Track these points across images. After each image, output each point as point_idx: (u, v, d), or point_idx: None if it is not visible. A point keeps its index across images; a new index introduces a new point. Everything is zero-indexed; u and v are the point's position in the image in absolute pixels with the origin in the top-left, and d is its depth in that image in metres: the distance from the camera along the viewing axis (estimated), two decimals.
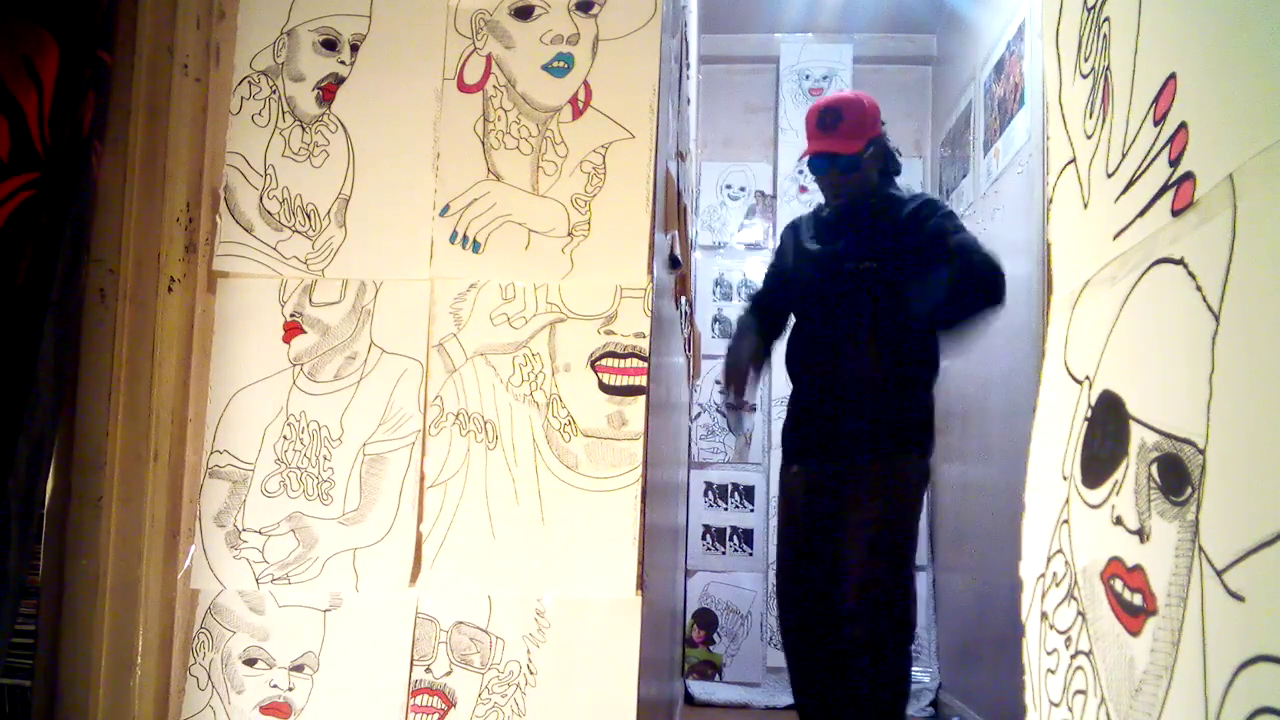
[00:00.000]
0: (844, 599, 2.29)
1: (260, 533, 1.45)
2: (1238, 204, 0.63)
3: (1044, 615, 0.93)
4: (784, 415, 2.58)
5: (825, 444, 2.39)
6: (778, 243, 2.71)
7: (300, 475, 1.46)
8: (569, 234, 1.47)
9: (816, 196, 4.03)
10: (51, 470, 1.28)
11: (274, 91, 1.54)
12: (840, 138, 2.35)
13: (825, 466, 2.39)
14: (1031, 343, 2.64)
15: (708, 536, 3.99)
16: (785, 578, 2.47)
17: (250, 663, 1.44)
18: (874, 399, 2.33)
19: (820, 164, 2.39)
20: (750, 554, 3.97)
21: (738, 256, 4.20)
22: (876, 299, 2.32)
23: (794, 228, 2.62)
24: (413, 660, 1.42)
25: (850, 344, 2.34)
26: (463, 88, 1.52)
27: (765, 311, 2.60)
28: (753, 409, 4.09)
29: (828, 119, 2.36)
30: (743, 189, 4.22)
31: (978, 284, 2.22)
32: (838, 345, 2.37)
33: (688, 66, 2.63)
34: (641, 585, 1.41)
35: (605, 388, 1.44)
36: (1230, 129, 0.66)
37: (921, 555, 3.92)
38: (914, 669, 3.83)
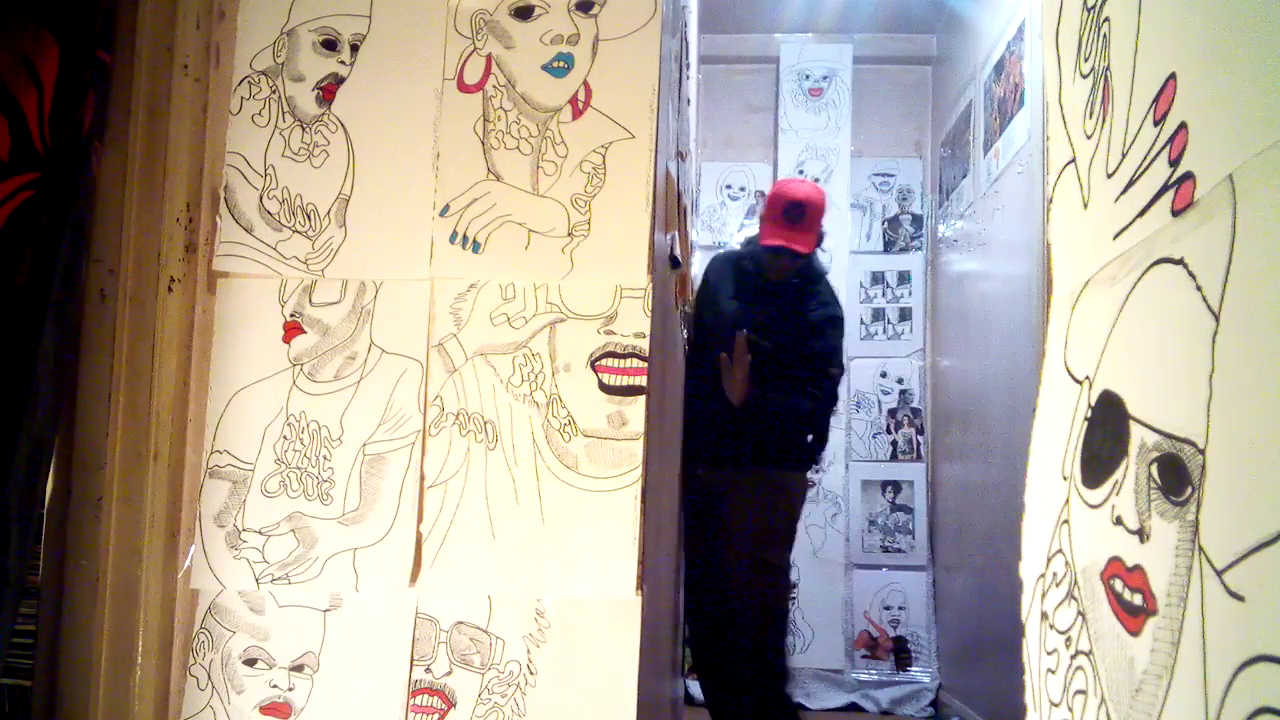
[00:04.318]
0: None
1: (260, 533, 1.45)
2: (1238, 204, 0.63)
3: (1044, 615, 0.93)
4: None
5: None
6: (703, 278, 2.95)
7: (300, 475, 1.46)
8: (569, 234, 1.47)
9: None
10: (51, 470, 1.28)
11: (274, 91, 1.54)
12: (800, 232, 2.68)
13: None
14: (1031, 343, 2.64)
15: None
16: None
17: (250, 663, 1.44)
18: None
19: (779, 251, 2.69)
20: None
21: None
22: (763, 370, 2.69)
23: (718, 271, 2.90)
24: (413, 660, 1.42)
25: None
26: (463, 88, 1.52)
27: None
28: None
29: (794, 212, 2.68)
30: (743, 189, 4.22)
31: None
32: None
33: (688, 66, 2.64)
34: (641, 585, 1.41)
35: (605, 388, 1.44)
36: (1230, 129, 0.66)
37: (921, 555, 3.93)
38: (914, 669, 3.87)
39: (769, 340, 2.70)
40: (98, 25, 1.25)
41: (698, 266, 3.21)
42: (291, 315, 1.50)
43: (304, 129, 1.53)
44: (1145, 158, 0.78)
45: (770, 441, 2.76)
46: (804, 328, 2.75)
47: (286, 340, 1.49)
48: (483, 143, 1.50)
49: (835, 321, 2.82)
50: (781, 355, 2.71)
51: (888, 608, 3.90)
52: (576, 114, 1.49)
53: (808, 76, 4.20)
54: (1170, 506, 0.69)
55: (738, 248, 3.01)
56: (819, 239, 2.78)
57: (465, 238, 1.48)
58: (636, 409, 1.44)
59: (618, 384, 1.44)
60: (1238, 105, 0.65)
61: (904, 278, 4.10)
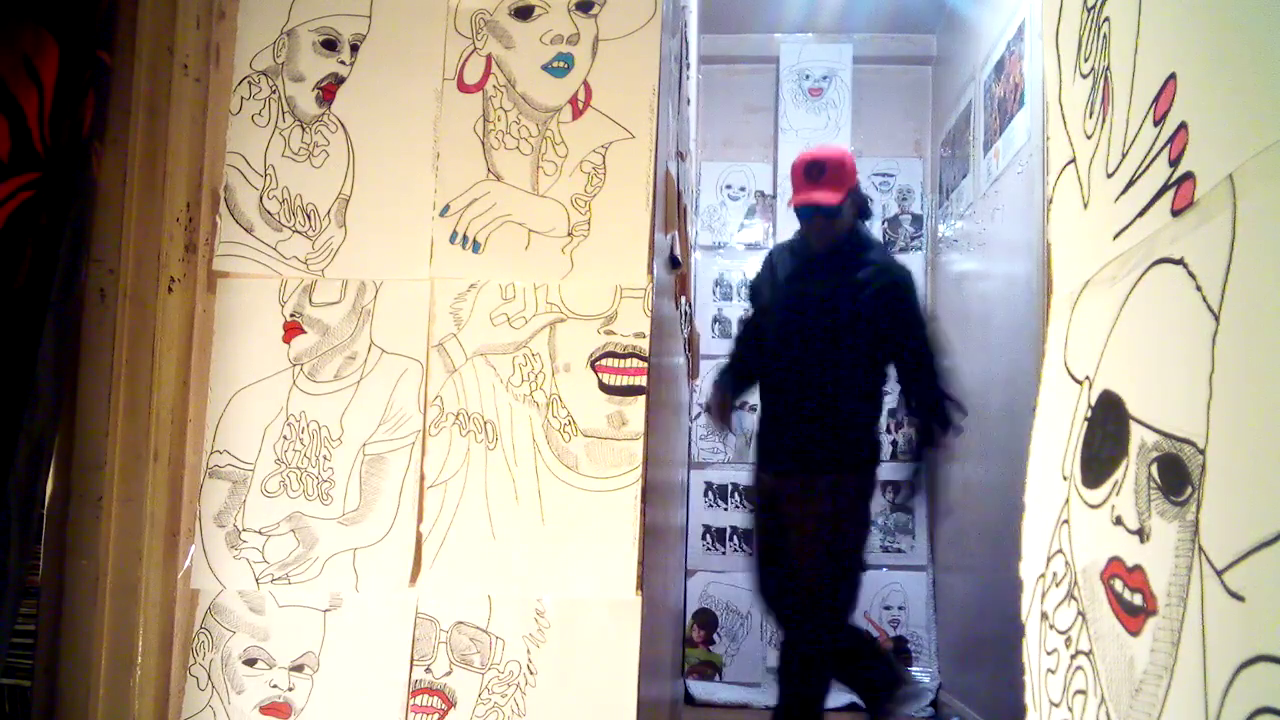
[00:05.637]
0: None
1: (260, 533, 1.45)
2: (1238, 204, 0.63)
3: (1044, 615, 0.93)
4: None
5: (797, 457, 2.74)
6: (760, 272, 2.97)
7: (300, 475, 1.46)
8: (569, 234, 1.47)
9: None
10: (51, 470, 1.28)
11: (274, 91, 1.54)
12: (824, 188, 2.65)
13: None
14: (1031, 343, 2.64)
15: (708, 536, 3.99)
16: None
17: (250, 663, 1.44)
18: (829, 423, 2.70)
19: (807, 212, 2.69)
20: (750, 554, 3.96)
21: (738, 256, 4.20)
22: (837, 343, 2.66)
23: (771, 265, 2.90)
24: (413, 660, 1.42)
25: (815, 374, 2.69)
26: (463, 88, 1.52)
27: (751, 350, 2.88)
28: (753, 409, 4.09)
29: (813, 170, 2.67)
30: (743, 189, 4.22)
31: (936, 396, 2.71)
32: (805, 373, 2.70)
33: (688, 66, 2.64)
34: (641, 585, 1.41)
35: (605, 388, 1.44)
36: (1230, 129, 0.66)
37: (921, 555, 3.93)
38: (914, 669, 3.87)
39: (819, 315, 2.65)
40: (98, 25, 1.25)
41: (698, 267, 3.21)
42: (291, 315, 1.50)
43: (304, 129, 1.53)
44: (1145, 158, 0.78)
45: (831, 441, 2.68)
46: (854, 296, 2.64)
47: (286, 340, 1.49)
48: (483, 143, 1.50)
49: (893, 285, 2.67)
50: (838, 335, 2.63)
51: (888, 608, 3.90)
52: (576, 114, 1.49)
53: (808, 76, 4.20)
54: (1170, 506, 0.69)
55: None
56: (857, 201, 2.73)
57: (465, 238, 1.48)
58: (636, 409, 1.44)
59: (618, 384, 1.44)
60: (1238, 105, 0.65)
61: None
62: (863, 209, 2.78)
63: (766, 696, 3.72)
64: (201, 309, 1.48)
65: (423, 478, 1.45)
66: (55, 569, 1.32)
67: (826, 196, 2.62)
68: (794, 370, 2.70)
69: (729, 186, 4.22)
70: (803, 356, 2.68)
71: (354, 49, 1.54)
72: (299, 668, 1.43)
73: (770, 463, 2.78)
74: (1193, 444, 0.66)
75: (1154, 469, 0.72)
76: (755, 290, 2.95)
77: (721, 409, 2.91)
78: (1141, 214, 0.78)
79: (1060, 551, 0.90)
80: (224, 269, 1.51)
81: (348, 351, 1.48)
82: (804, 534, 2.64)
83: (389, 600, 1.43)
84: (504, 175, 1.49)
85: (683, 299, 2.56)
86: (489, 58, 1.52)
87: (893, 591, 3.90)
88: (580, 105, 1.49)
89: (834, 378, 2.65)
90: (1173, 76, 0.75)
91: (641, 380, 1.44)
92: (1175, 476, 0.68)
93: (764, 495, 2.80)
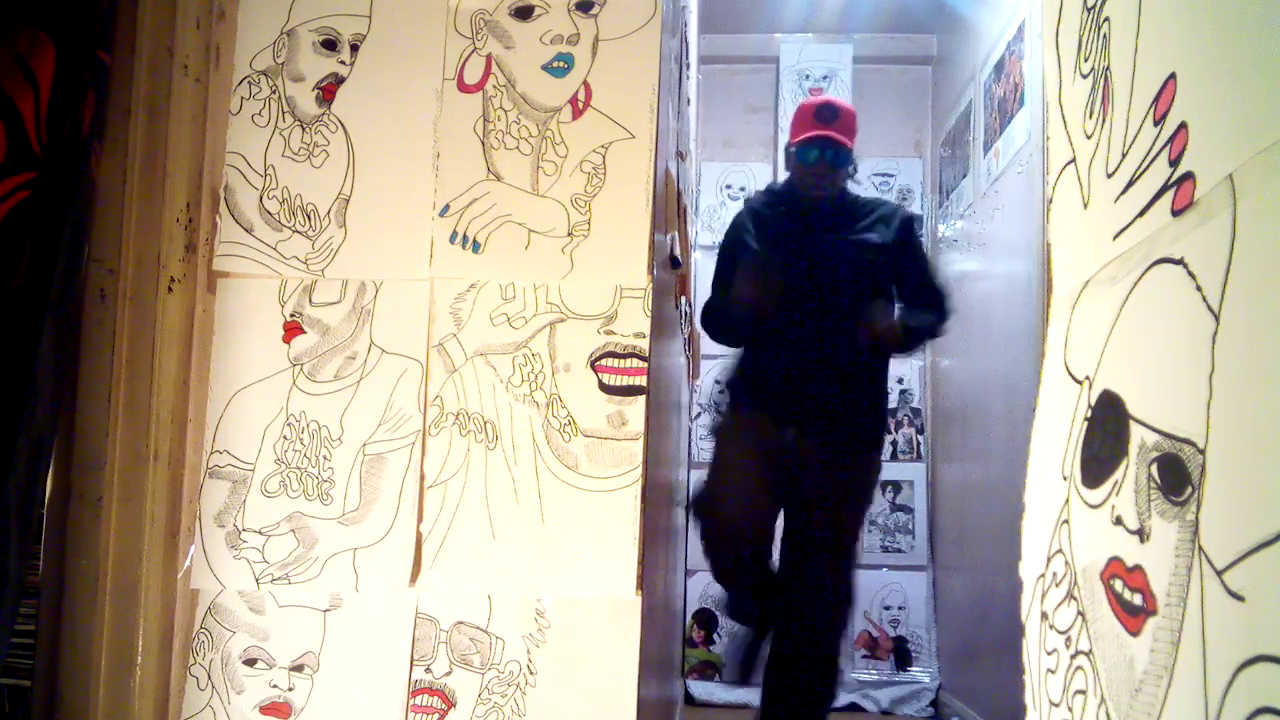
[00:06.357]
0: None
1: (260, 533, 1.45)
2: (1238, 204, 0.63)
3: (1044, 615, 0.93)
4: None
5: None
6: (735, 229, 2.68)
7: (300, 475, 1.46)
8: (569, 234, 1.47)
9: None
10: (51, 470, 1.28)
11: (274, 91, 1.54)
12: (839, 131, 2.48)
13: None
14: (1031, 343, 2.64)
15: None
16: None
17: (250, 663, 1.44)
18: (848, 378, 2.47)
19: (814, 150, 2.48)
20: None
21: None
22: (861, 282, 2.47)
23: (748, 222, 2.61)
24: (413, 660, 1.42)
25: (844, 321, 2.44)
26: (463, 88, 1.52)
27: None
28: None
29: (826, 113, 2.49)
30: (743, 189, 4.22)
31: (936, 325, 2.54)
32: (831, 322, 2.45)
33: (688, 66, 2.63)
34: (641, 585, 1.41)
35: (605, 388, 1.44)
36: (1230, 129, 0.66)
37: (921, 555, 3.93)
38: (914, 669, 3.86)
39: (827, 264, 2.44)
40: (97, 25, 1.25)
41: (698, 267, 3.19)
42: (291, 315, 1.50)
43: (304, 129, 1.53)
44: (1145, 158, 0.78)
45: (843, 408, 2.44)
46: (865, 230, 2.46)
47: (286, 340, 1.49)
48: (483, 143, 1.50)
49: (901, 211, 2.53)
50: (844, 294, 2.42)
51: (888, 608, 3.90)
52: (576, 114, 1.49)
53: (808, 76, 4.19)
54: (1170, 506, 0.69)
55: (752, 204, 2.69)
56: (854, 163, 2.56)
57: (465, 238, 1.48)
58: (636, 409, 1.43)
59: (618, 384, 1.44)
60: (1238, 105, 0.65)
61: None
62: (850, 177, 2.62)
63: None
64: (201, 309, 1.48)
65: (423, 478, 1.45)
66: (55, 569, 1.32)
67: (841, 137, 2.45)
68: (802, 325, 2.44)
69: (729, 186, 4.22)
70: (813, 310, 2.43)
71: (354, 49, 1.54)
72: (299, 668, 1.43)
73: (770, 405, 2.46)
74: (1193, 444, 0.66)
75: (1154, 469, 0.72)
76: (733, 247, 2.61)
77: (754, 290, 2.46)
78: (1141, 214, 0.78)
79: (1060, 551, 0.90)
80: (224, 269, 1.51)
81: (348, 351, 1.48)
82: (815, 515, 2.41)
83: (389, 600, 1.43)
84: (504, 175, 1.49)
85: (683, 299, 2.56)
86: (489, 58, 1.51)
87: (893, 591, 3.90)
88: (580, 105, 1.49)
89: (844, 332, 2.41)
90: (1173, 76, 0.75)
91: (641, 380, 1.44)
92: (1175, 476, 0.68)
93: (747, 439, 2.49)
